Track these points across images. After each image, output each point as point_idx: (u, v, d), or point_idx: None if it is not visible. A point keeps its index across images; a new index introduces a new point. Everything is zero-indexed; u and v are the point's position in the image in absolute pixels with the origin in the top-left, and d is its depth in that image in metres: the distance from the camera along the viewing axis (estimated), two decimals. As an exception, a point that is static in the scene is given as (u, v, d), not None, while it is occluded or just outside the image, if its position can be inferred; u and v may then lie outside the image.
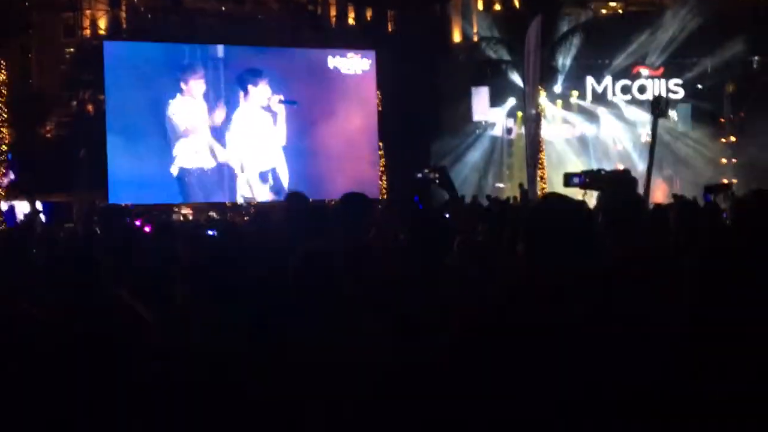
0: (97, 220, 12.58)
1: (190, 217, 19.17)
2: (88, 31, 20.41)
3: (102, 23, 20.40)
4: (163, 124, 18.84)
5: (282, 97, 19.84)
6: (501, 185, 23.94)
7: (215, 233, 8.72)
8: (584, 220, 2.49)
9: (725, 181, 20.42)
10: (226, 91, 19.58)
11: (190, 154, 19.11)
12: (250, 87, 19.60)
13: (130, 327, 2.78)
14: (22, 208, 17.70)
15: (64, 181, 18.49)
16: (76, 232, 12.58)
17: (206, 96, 19.39)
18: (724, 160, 23.20)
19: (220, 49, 19.63)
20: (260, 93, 19.71)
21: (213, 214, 18.29)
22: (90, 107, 20.09)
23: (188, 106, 19.11)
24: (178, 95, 19.07)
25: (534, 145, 21.26)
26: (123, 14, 20.37)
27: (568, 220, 2.40)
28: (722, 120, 23.71)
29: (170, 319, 2.92)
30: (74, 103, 20.22)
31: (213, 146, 19.39)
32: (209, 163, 19.37)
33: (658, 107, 13.63)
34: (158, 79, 18.72)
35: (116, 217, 5.51)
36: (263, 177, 19.78)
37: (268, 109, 19.86)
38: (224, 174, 19.60)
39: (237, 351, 2.66)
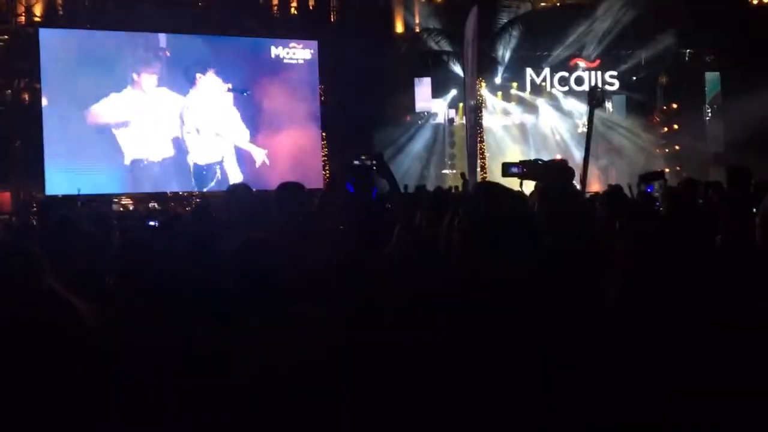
0: (36, 212, 12.35)
1: (131, 208, 18.91)
2: (23, 18, 19.84)
3: (38, 10, 19.88)
4: (105, 114, 18.49)
5: (230, 86, 19.66)
6: (447, 171, 24.26)
7: (156, 224, 8.69)
8: (517, 208, 2.58)
9: (659, 169, 21.04)
10: (170, 81, 19.30)
11: (137, 145, 18.82)
12: (198, 76, 19.37)
13: (66, 320, 2.74)
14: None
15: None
16: (11, 224, 12.36)
17: (154, 86, 19.11)
18: (657, 150, 23.87)
19: (162, 38, 19.35)
20: (209, 82, 19.51)
21: (154, 204, 18.10)
22: (26, 96, 19.58)
23: (136, 98, 18.81)
24: (129, 87, 18.75)
25: (474, 135, 21.54)
26: (59, 1, 19.87)
27: (502, 208, 2.48)
28: (656, 111, 24.39)
29: (105, 313, 2.89)
30: (9, 92, 19.67)
31: (162, 137, 19.12)
32: (158, 155, 19.09)
33: (594, 98, 13.98)
34: (99, 67, 18.34)
35: (54, 208, 5.48)
36: (212, 167, 19.62)
37: (217, 98, 19.70)
38: (170, 166, 19.33)
39: (173, 344, 2.65)
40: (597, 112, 23.12)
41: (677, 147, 23.58)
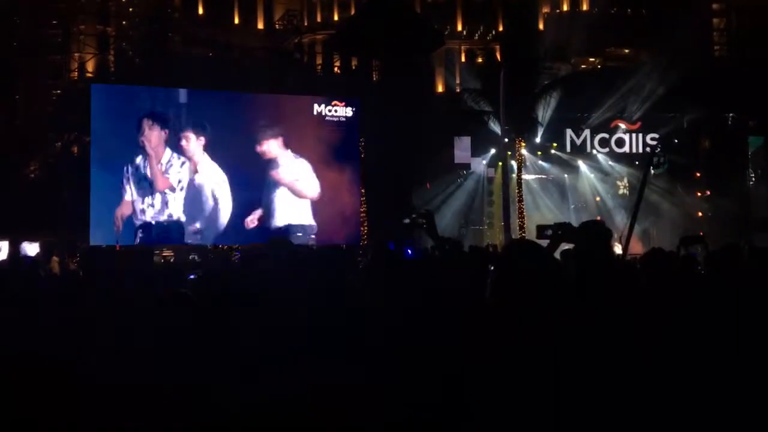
0: (80, 262, 12.57)
1: (172, 260, 19.13)
2: (75, 74, 20.54)
3: (90, 66, 20.58)
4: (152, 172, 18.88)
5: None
6: (485, 228, 24.33)
7: (194, 277, 8.81)
8: (544, 268, 2.57)
9: (701, 233, 20.74)
10: (214, 139, 19.57)
11: (180, 201, 19.16)
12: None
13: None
14: (5, 249, 17.68)
15: (46, 222, 18.48)
16: (56, 274, 12.60)
17: (201, 145, 19.39)
18: (699, 213, 23.57)
19: (208, 96, 19.77)
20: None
21: (195, 257, 18.29)
22: (75, 149, 20.13)
23: (182, 160, 19.22)
24: (177, 146, 19.09)
25: (512, 193, 21.59)
26: (111, 58, 20.58)
27: (528, 269, 2.48)
28: (698, 174, 24.15)
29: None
30: (59, 144, 20.26)
31: (202, 194, 19.40)
32: (199, 210, 19.36)
33: (651, 160, 13.81)
34: (146, 122, 18.81)
35: (101, 259, 5.61)
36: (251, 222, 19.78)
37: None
38: (210, 221, 19.53)
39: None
40: (636, 174, 23.05)
41: (719, 211, 23.29)
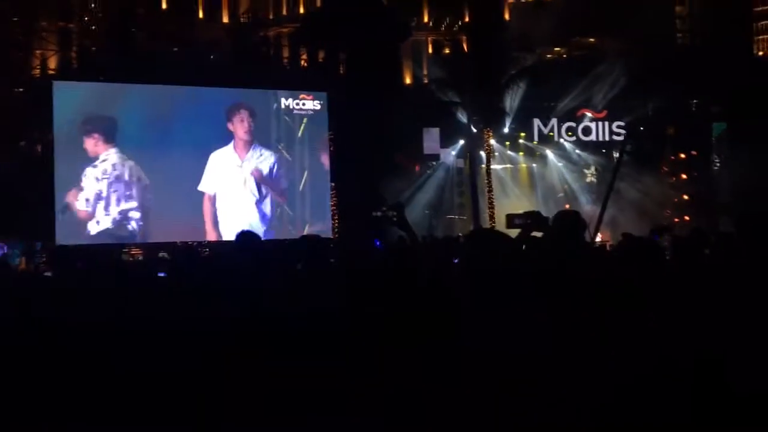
0: (48, 261, 12.35)
1: (140, 258, 18.94)
2: (37, 71, 20.22)
3: (52, 63, 20.28)
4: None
5: None
6: (455, 218, 24.42)
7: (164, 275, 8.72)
8: (509, 257, 2.58)
9: (676, 219, 21.11)
10: (186, 134, 19.43)
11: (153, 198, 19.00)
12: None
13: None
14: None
15: (9, 221, 18.14)
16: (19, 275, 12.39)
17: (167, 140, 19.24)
18: (666, 200, 23.85)
19: (171, 90, 19.59)
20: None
21: (164, 254, 18.11)
22: (38, 147, 19.81)
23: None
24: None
25: (480, 184, 21.68)
26: (73, 55, 20.32)
27: (487, 259, 2.48)
28: (663, 161, 24.44)
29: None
30: (23, 143, 19.91)
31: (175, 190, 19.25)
32: (167, 207, 19.19)
33: (624, 150, 13.93)
34: (110, 119, 18.56)
35: (70, 259, 5.52)
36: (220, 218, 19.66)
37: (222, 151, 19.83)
38: (182, 217, 19.35)
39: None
40: (605, 162, 23.28)
41: (685, 197, 23.58)
